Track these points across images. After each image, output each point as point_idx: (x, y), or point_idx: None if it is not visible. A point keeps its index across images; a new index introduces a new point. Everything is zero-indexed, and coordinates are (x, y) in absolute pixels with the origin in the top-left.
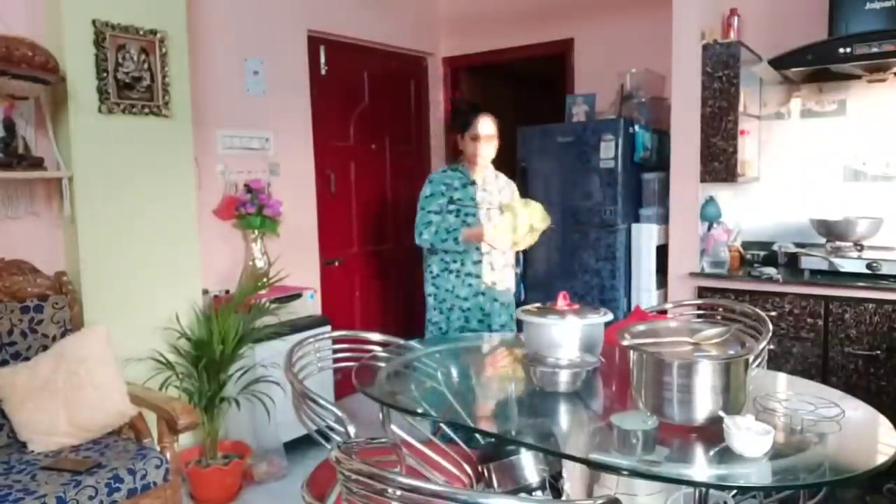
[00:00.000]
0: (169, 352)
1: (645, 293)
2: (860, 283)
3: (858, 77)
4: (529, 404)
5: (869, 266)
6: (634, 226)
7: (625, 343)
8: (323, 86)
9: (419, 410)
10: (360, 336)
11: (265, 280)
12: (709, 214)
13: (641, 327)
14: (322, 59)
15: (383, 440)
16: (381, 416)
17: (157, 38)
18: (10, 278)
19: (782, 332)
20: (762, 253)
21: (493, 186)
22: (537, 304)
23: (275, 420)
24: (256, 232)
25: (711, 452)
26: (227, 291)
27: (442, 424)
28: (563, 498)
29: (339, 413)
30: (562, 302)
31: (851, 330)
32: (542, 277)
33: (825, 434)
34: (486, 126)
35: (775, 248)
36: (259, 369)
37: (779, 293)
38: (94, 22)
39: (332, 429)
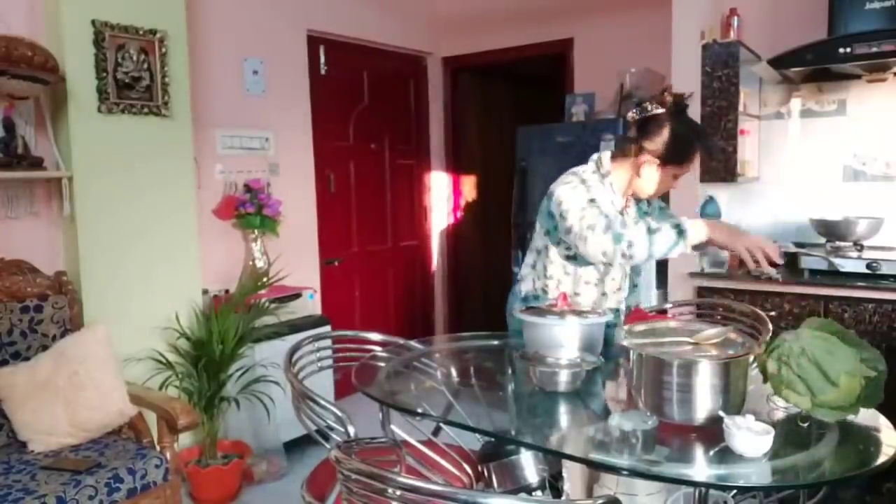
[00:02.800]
0: (169, 352)
1: (644, 293)
2: (860, 283)
3: (858, 77)
4: (529, 404)
5: (869, 266)
6: None
7: (625, 343)
8: (323, 86)
9: (419, 410)
10: (360, 336)
11: (265, 280)
12: (708, 214)
13: (641, 327)
14: (322, 59)
15: (383, 440)
16: (381, 416)
17: (157, 37)
18: (10, 278)
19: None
20: None
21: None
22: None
23: (275, 420)
24: (256, 232)
25: (711, 452)
26: (227, 291)
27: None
28: (563, 498)
29: (339, 413)
30: (562, 302)
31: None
32: None
33: (825, 434)
34: (697, 159)
35: None
36: (259, 369)
37: (778, 293)
38: (93, 22)
39: (331, 429)
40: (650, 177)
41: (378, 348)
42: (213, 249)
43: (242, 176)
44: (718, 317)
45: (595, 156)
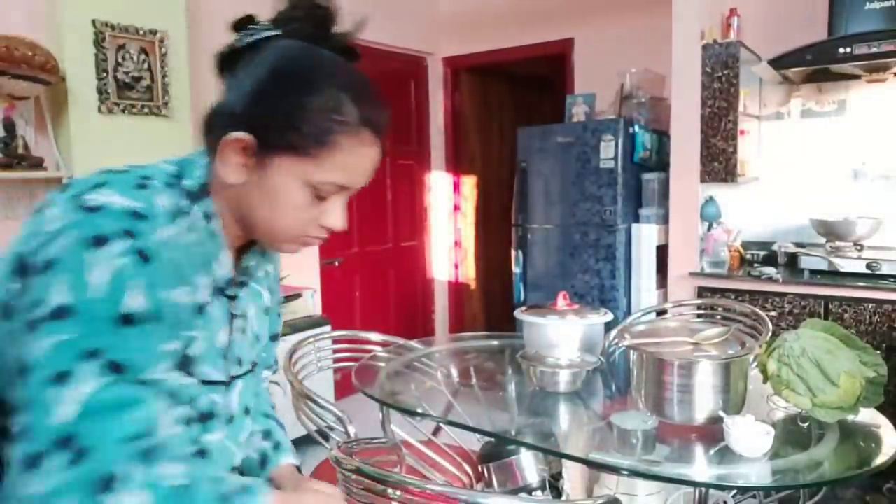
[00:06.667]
0: None
1: (645, 293)
2: (860, 283)
3: (858, 77)
4: (529, 404)
5: (869, 266)
6: (634, 226)
7: (625, 343)
8: None
9: (419, 410)
10: (360, 336)
11: None
12: (709, 214)
13: (641, 327)
14: None
15: (383, 440)
16: (381, 416)
17: (157, 37)
18: None
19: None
20: (762, 253)
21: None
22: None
23: None
24: None
25: (711, 452)
26: None
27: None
28: (563, 498)
29: (339, 413)
30: (562, 302)
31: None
32: (542, 277)
33: (825, 434)
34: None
35: (775, 248)
36: None
37: (779, 293)
38: (93, 22)
39: (332, 429)
40: (280, 191)
41: (378, 348)
42: None
43: None
44: (718, 317)
45: (169, 165)
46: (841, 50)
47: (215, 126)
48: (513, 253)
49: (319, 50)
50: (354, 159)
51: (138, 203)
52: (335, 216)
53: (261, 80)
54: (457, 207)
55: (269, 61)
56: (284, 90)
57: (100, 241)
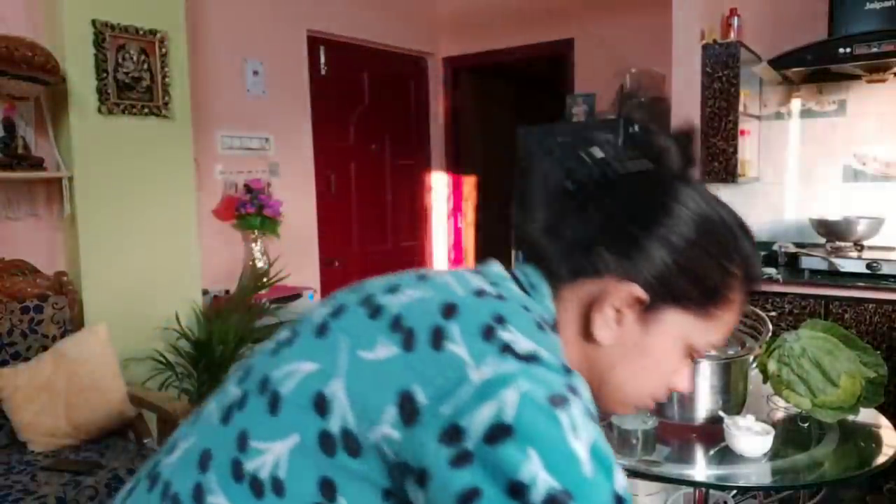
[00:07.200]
0: (169, 352)
1: None
2: (860, 284)
3: (858, 77)
4: None
5: (869, 266)
6: None
7: None
8: (323, 86)
9: None
10: None
11: (265, 280)
12: None
13: None
14: (322, 60)
15: None
16: None
17: (157, 38)
18: (10, 278)
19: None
20: (762, 253)
21: None
22: None
23: None
24: (256, 232)
25: (711, 452)
26: (227, 291)
27: None
28: None
29: None
30: None
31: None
32: None
33: (825, 434)
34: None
35: (775, 248)
36: None
37: (779, 293)
38: (93, 22)
39: None
40: (657, 352)
41: None
42: (213, 249)
43: (243, 176)
44: None
45: (496, 268)
46: (841, 50)
47: (564, 259)
48: (513, 253)
49: (712, 195)
50: (734, 317)
51: (554, 352)
52: (686, 378)
53: (661, 227)
54: (457, 208)
55: (670, 207)
56: (690, 241)
57: (558, 400)
